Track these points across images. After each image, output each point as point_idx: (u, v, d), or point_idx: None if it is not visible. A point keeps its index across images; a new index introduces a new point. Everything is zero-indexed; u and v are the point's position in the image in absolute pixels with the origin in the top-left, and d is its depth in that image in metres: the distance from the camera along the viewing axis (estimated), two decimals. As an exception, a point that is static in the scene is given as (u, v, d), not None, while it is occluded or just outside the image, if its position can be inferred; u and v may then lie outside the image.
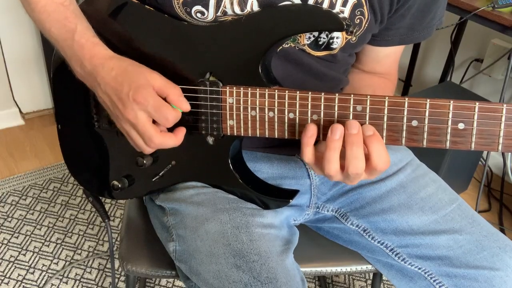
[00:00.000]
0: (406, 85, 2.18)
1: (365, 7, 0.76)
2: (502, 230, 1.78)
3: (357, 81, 0.92)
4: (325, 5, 0.74)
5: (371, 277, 1.56)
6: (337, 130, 0.64)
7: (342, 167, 0.66)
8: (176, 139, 0.72)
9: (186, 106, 0.70)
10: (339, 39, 0.78)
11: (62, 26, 0.74)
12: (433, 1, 0.82)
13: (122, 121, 0.71)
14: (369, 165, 0.65)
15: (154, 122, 0.70)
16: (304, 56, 0.79)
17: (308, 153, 0.67)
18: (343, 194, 0.89)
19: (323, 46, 0.79)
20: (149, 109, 0.67)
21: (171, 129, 0.73)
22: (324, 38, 0.78)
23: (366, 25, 0.78)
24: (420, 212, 0.83)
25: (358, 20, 0.77)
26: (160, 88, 0.68)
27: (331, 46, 0.79)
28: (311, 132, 0.66)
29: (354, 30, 0.77)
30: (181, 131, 0.73)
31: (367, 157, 0.64)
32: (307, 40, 0.77)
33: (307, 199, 0.89)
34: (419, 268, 0.81)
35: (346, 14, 0.75)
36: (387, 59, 0.91)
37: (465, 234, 0.80)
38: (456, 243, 0.79)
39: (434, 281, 0.80)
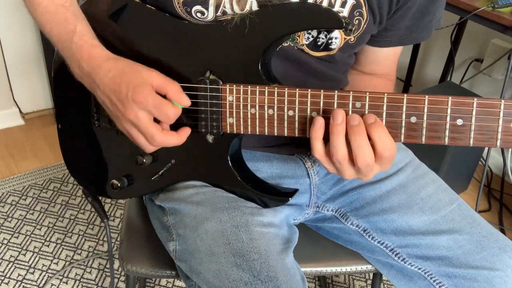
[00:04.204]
0: (406, 85, 2.18)
1: (364, 8, 0.76)
2: (502, 230, 1.78)
3: (357, 82, 0.92)
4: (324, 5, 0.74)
5: (371, 277, 1.56)
6: (338, 115, 0.65)
7: (353, 161, 0.65)
8: (179, 137, 0.73)
9: (186, 102, 0.70)
10: (337, 39, 0.78)
11: (62, 27, 0.74)
12: (432, 2, 0.82)
13: (123, 121, 0.71)
14: (376, 154, 0.65)
15: (156, 120, 0.70)
16: (303, 56, 0.79)
17: (317, 146, 0.67)
18: (343, 194, 0.89)
19: (321, 47, 0.79)
20: (149, 107, 0.68)
21: (174, 128, 0.73)
22: (322, 38, 0.78)
23: (365, 26, 0.78)
24: (420, 212, 0.83)
25: (357, 21, 0.77)
26: (158, 85, 0.68)
27: (330, 46, 0.79)
28: (319, 125, 0.66)
29: (353, 29, 0.77)
30: (185, 131, 0.74)
31: (372, 146, 0.64)
32: (306, 41, 0.77)
33: (306, 199, 0.89)
34: (419, 268, 0.81)
35: (345, 15, 0.75)
36: (386, 60, 0.91)
37: (465, 234, 0.80)
38: (456, 243, 0.79)
39: (434, 281, 0.80)
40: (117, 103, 0.69)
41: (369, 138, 0.64)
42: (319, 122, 0.66)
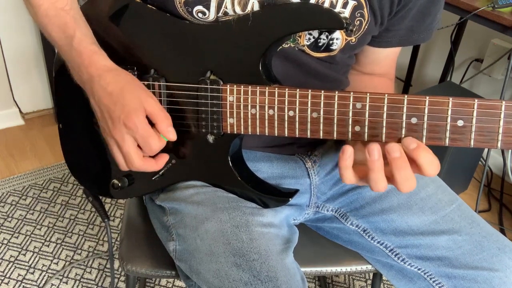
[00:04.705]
0: (406, 85, 2.18)
1: (365, 9, 0.76)
2: (502, 230, 1.78)
3: (358, 83, 0.92)
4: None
5: (371, 277, 1.56)
6: (374, 151, 0.61)
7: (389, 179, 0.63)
8: (156, 165, 0.75)
9: (173, 137, 0.72)
10: (338, 40, 0.79)
11: (62, 31, 0.74)
12: (433, 3, 0.82)
13: (108, 136, 0.72)
14: (422, 174, 0.63)
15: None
16: (303, 57, 0.79)
17: (348, 175, 0.64)
18: (342, 194, 0.89)
19: (322, 48, 0.79)
20: (136, 135, 0.69)
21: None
22: (324, 39, 0.78)
23: (366, 27, 0.78)
24: (420, 212, 0.83)
25: (358, 22, 0.77)
26: (151, 112, 0.69)
27: (331, 47, 0.79)
28: (348, 154, 0.63)
29: (354, 30, 0.78)
30: (163, 158, 0.75)
31: (419, 168, 0.62)
32: (307, 41, 0.77)
33: (307, 199, 0.89)
34: (419, 269, 0.81)
35: (346, 15, 0.75)
36: (386, 60, 0.91)
37: (465, 235, 0.80)
38: (456, 243, 0.79)
39: (433, 282, 0.80)
40: (107, 119, 0.71)
41: (415, 163, 0.62)
42: (348, 151, 0.62)
